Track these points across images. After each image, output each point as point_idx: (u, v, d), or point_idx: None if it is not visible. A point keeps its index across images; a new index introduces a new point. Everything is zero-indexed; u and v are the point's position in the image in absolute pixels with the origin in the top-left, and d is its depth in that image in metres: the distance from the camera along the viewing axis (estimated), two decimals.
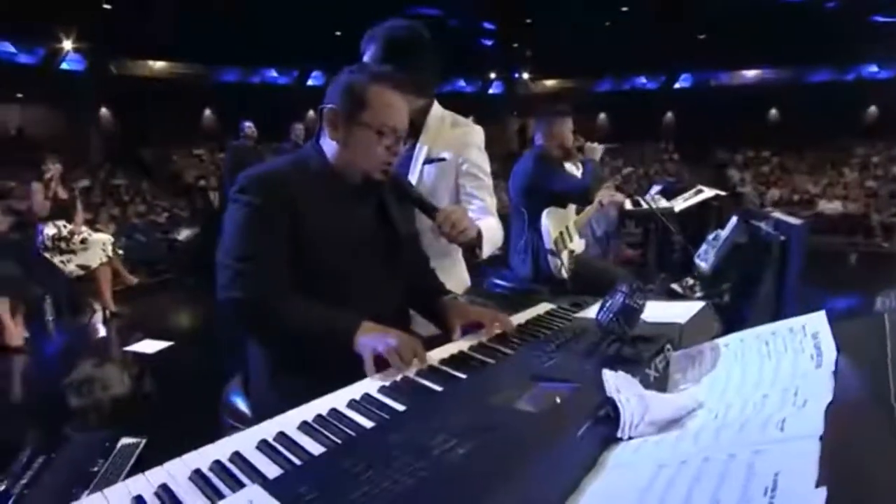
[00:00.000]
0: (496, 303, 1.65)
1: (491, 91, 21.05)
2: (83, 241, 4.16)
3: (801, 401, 0.63)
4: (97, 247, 4.23)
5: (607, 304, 0.95)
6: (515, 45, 18.97)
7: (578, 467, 0.62)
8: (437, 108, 1.60)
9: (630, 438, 0.70)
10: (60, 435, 2.31)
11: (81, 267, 4.15)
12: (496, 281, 2.61)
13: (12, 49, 14.31)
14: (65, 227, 4.13)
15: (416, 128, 1.53)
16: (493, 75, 20.84)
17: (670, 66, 18.65)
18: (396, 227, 1.24)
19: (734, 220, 2.58)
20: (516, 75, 20.77)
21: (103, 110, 16.19)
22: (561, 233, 2.51)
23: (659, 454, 0.61)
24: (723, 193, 3.95)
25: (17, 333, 3.63)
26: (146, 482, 0.63)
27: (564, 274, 2.46)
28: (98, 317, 4.40)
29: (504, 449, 0.64)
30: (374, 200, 1.22)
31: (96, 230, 5.78)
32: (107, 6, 13.71)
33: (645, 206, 4.20)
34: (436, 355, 1.03)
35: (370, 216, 1.21)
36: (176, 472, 0.65)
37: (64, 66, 14.92)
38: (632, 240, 5.11)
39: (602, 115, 22.44)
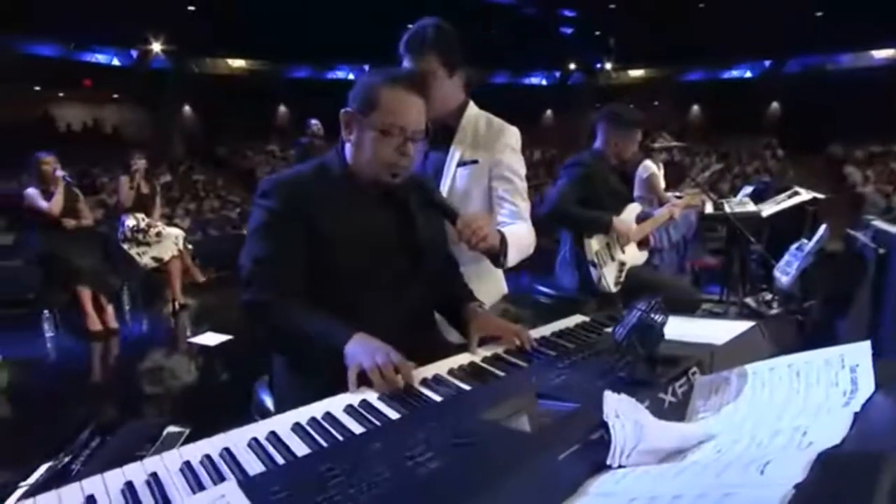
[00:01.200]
0: (537, 312, 1.64)
1: (569, 83, 20.60)
2: (158, 235, 4.58)
3: (806, 442, 0.59)
4: (170, 240, 4.64)
5: (624, 321, 0.92)
6: (598, 32, 18.42)
7: (557, 492, 0.62)
8: (472, 109, 1.61)
9: (621, 466, 0.69)
10: (123, 418, 2.57)
11: (155, 259, 4.57)
12: (541, 289, 2.58)
13: (110, 53, 15.92)
14: (143, 219, 4.56)
15: (450, 130, 1.56)
16: (572, 66, 20.37)
17: (777, 49, 17.29)
18: (418, 233, 1.27)
19: (823, 228, 2.39)
20: (598, 65, 20.18)
21: (186, 108, 17.63)
22: (608, 244, 2.45)
23: (636, 487, 0.60)
24: (821, 196, 3.63)
25: (97, 320, 4.07)
26: (141, 469, 0.71)
27: (608, 286, 2.39)
28: (169, 308, 4.82)
29: (479, 466, 0.65)
30: (396, 205, 1.26)
31: (174, 225, 6.33)
32: (191, 7, 14.91)
33: (727, 209, 3.96)
34: (446, 365, 1.05)
35: (391, 221, 1.25)
36: (170, 462, 0.72)
37: (154, 66, 16.38)
38: (715, 245, 4.82)
39: (695, 108, 21.29)
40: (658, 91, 20.33)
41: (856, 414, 0.62)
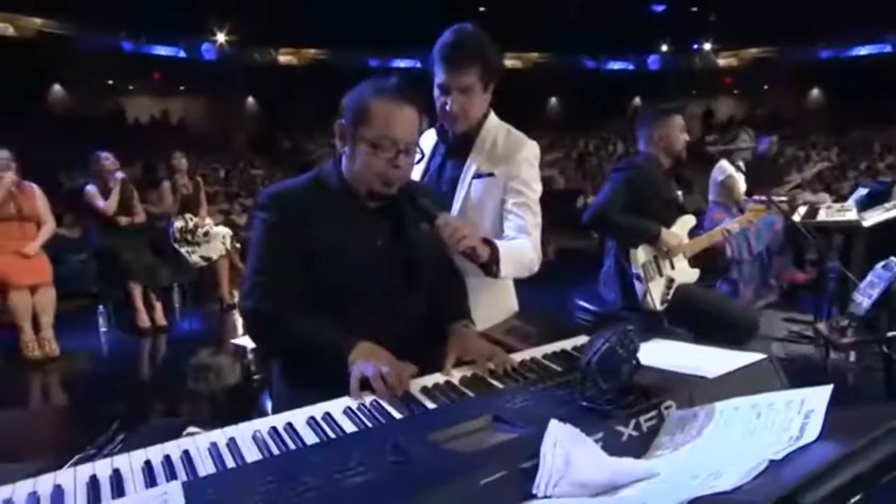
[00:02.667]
0: (547, 329, 1.68)
1: (657, 67, 19.86)
2: (206, 234, 4.98)
3: (710, 487, 0.63)
4: (217, 240, 5.02)
5: (591, 347, 0.97)
6: (694, 8, 17.63)
7: None
8: (492, 120, 1.68)
9: (548, 496, 0.75)
10: (155, 415, 2.85)
11: (203, 258, 4.96)
12: (581, 303, 2.60)
13: (177, 46, 17.25)
14: (191, 220, 4.98)
15: (469, 141, 1.64)
16: (664, 47, 19.65)
17: None
18: (413, 246, 1.36)
19: None
20: (695, 46, 19.33)
21: (249, 100, 18.76)
22: (656, 257, 2.42)
23: None
24: None
25: (146, 317, 4.50)
26: (108, 464, 0.86)
27: (652, 303, 2.37)
28: (217, 307, 5.21)
29: (402, 483, 0.74)
30: (391, 217, 1.36)
31: (230, 221, 6.79)
32: None
33: (823, 216, 3.75)
34: (420, 382, 1.14)
35: (386, 234, 1.36)
36: (135, 458, 0.87)
37: (218, 58, 17.58)
38: (809, 256, 4.56)
39: (815, 92, 19.91)
40: (768, 74, 19.19)
41: (773, 461, 0.65)
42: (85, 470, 0.84)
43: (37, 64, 13.93)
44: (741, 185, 3.85)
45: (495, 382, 1.15)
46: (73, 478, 0.83)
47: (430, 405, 1.06)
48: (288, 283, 1.30)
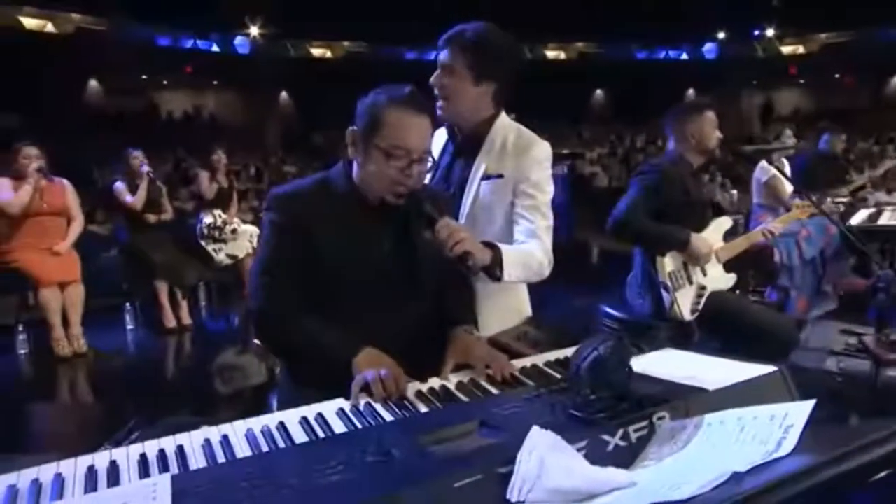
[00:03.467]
0: (559, 335, 1.71)
1: (714, 56, 19.35)
2: (233, 232, 5.17)
3: (673, 496, 0.67)
4: (245, 238, 5.21)
5: (581, 355, 1.01)
6: None
7: None
8: (502, 120, 1.72)
9: (521, 502, 0.80)
10: (173, 414, 2.99)
11: (230, 256, 5.15)
12: (608, 310, 2.60)
13: (210, 39, 17.82)
14: (220, 216, 5.17)
15: (478, 141, 1.69)
16: (722, 35, 19.15)
17: None
18: (418, 250, 1.42)
19: None
20: (756, 32, 18.77)
21: (283, 94, 19.21)
22: (685, 263, 2.40)
23: None
24: None
25: (172, 316, 4.71)
26: (108, 455, 0.95)
27: (680, 313, 2.36)
28: (243, 307, 5.40)
29: (377, 483, 0.80)
30: (397, 221, 1.43)
31: (259, 219, 6.99)
32: None
33: (889, 218, 3.63)
34: (417, 386, 1.20)
35: (391, 238, 1.42)
36: (133, 451, 0.96)
37: (251, 51, 18.07)
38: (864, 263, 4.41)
39: (894, 81, 19.07)
40: (839, 62, 18.48)
41: (736, 473, 0.68)
42: (85, 461, 0.93)
43: (75, 60, 14.62)
44: (787, 185, 3.76)
45: (491, 388, 1.20)
46: (73, 468, 0.92)
47: (423, 409, 1.12)
48: (292, 283, 1.38)
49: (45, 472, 0.90)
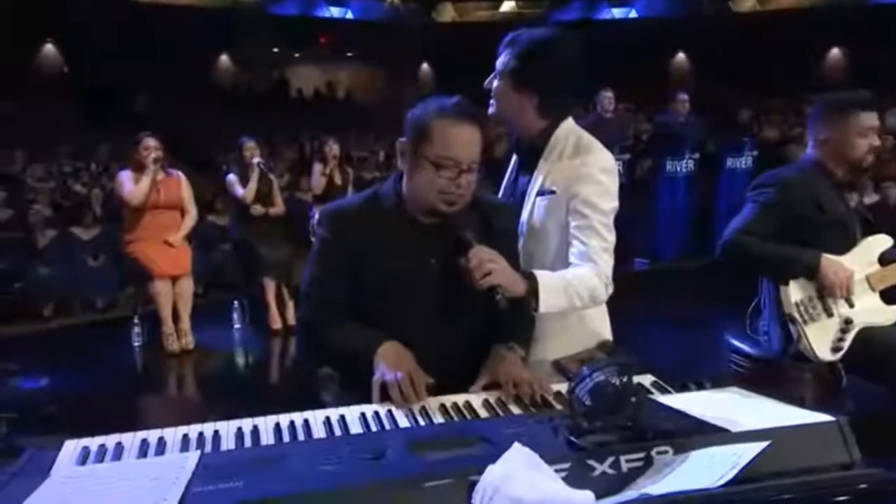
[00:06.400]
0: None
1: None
2: None
3: None
4: None
5: (578, 378, 1.25)
6: None
7: None
8: (564, 128, 1.91)
9: None
10: None
11: None
12: (734, 343, 2.64)
13: (345, 6, 19.16)
14: None
15: (536, 153, 1.92)
16: None
17: None
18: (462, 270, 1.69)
19: None
20: None
21: (424, 67, 20.14)
22: (819, 291, 2.37)
23: None
24: None
25: (278, 317, 5.39)
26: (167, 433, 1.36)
27: (810, 351, 2.34)
28: None
29: (360, 475, 1.12)
30: (446, 236, 1.70)
31: None
32: None
33: None
34: (442, 399, 1.50)
35: (437, 257, 1.71)
36: (178, 433, 1.37)
37: (389, 18, 19.12)
38: None
39: None
40: None
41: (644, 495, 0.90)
42: (141, 435, 1.35)
43: (207, 34, 16.53)
44: None
45: (514, 408, 1.46)
46: (132, 439, 1.34)
47: (439, 420, 1.41)
48: (335, 297, 1.73)
49: (111, 441, 1.33)
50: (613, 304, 1.96)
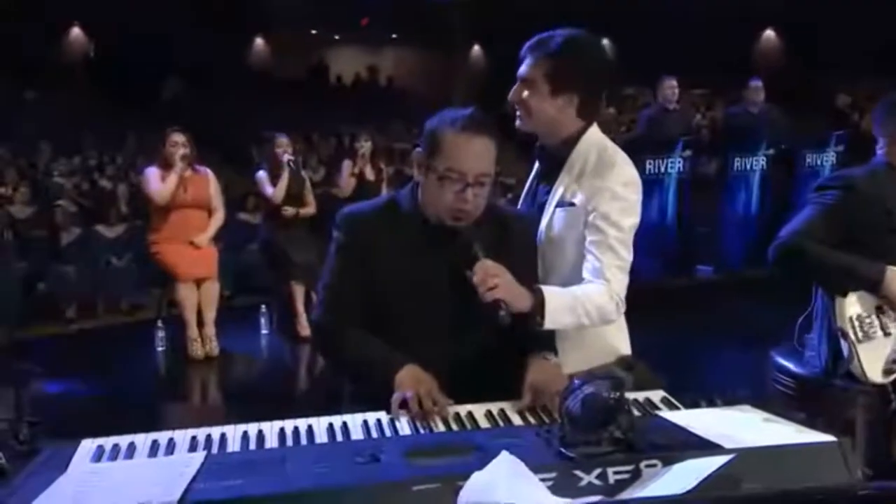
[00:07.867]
0: (653, 377, 2.01)
1: None
2: None
3: None
4: None
5: (569, 390, 1.41)
6: None
7: None
8: (589, 138, 2.05)
9: None
10: None
11: None
12: (779, 361, 2.70)
13: None
14: None
15: (559, 162, 2.06)
16: None
17: None
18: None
19: None
20: None
21: (475, 49, 20.21)
22: (879, 308, 2.41)
23: None
24: None
25: (307, 323, 5.62)
26: (167, 436, 1.58)
27: (864, 372, 2.38)
28: None
29: (352, 477, 1.31)
30: (462, 246, 1.85)
31: None
32: None
33: None
34: (454, 409, 1.70)
35: (452, 264, 1.87)
36: (188, 434, 1.58)
37: None
38: None
39: None
40: None
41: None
42: (152, 436, 1.57)
43: (242, 12, 16.93)
44: None
45: (518, 419, 1.64)
46: (143, 440, 1.56)
47: (440, 429, 1.60)
48: (350, 301, 1.93)
49: (124, 441, 1.55)
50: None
